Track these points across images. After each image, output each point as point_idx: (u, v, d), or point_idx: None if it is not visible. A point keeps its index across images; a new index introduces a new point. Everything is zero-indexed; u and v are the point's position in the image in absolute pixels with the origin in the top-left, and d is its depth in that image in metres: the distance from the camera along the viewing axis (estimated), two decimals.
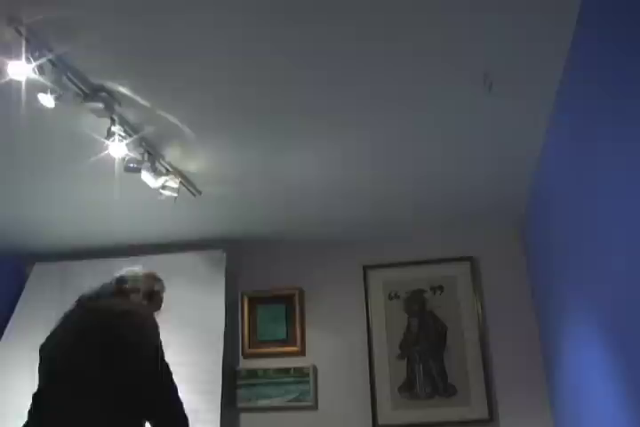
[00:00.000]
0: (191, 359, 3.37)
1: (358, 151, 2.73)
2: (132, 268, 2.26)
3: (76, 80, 2.07)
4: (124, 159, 2.50)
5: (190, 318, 3.52)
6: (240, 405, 3.58)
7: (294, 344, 3.65)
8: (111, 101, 2.20)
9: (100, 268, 3.78)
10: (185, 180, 2.90)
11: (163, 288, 2.31)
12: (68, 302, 3.70)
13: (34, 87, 1.96)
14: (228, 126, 2.50)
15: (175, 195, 2.80)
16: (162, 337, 2.47)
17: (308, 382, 3.54)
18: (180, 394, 3.45)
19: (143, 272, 2.25)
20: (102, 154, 2.44)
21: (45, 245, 3.81)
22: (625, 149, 1.58)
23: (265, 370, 3.61)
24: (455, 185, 3.10)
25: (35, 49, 1.87)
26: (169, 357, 2.30)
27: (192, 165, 2.81)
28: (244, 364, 3.68)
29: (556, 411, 3.08)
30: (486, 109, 2.36)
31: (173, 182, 2.78)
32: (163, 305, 2.65)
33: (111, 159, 2.49)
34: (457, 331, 3.50)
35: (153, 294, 2.22)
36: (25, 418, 2.09)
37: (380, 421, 3.41)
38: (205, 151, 2.70)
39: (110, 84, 2.14)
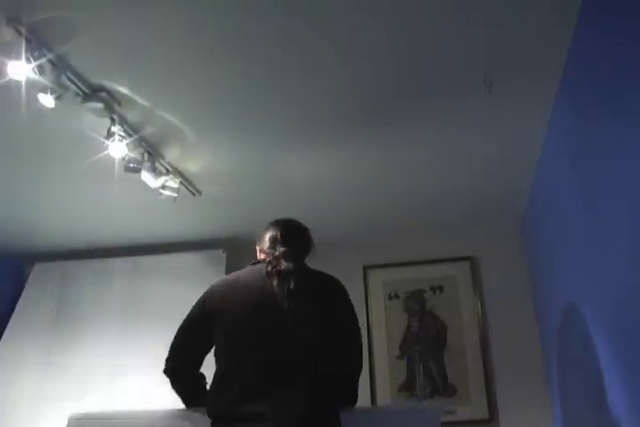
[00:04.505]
0: None
1: (358, 151, 2.73)
2: None
3: (76, 80, 2.07)
4: (123, 159, 2.50)
5: None
6: None
7: None
8: (111, 101, 2.20)
9: (100, 268, 3.80)
10: (185, 180, 2.90)
11: None
12: (68, 302, 3.73)
13: (34, 87, 1.96)
14: (228, 126, 2.50)
15: (175, 195, 2.80)
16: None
17: None
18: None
19: None
20: (102, 154, 2.44)
21: (45, 245, 3.81)
22: (625, 148, 1.58)
23: None
24: (455, 185, 3.10)
25: (35, 49, 1.87)
26: None
27: (192, 165, 2.81)
28: None
29: (556, 411, 3.08)
30: (486, 109, 2.36)
31: (173, 182, 2.78)
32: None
33: (111, 159, 2.48)
34: (457, 331, 3.50)
35: None
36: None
37: None
38: (205, 151, 2.70)
39: (110, 84, 2.14)
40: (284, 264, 1.89)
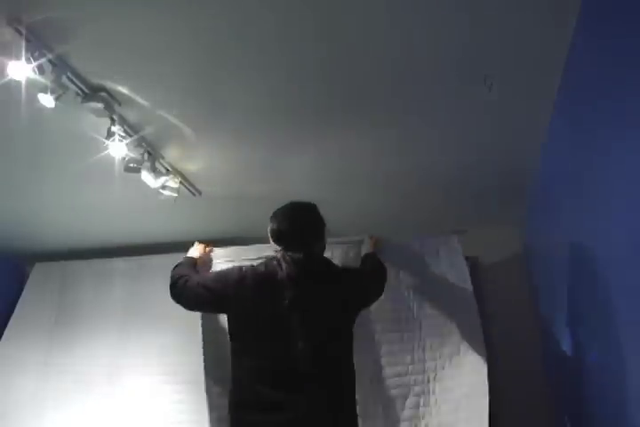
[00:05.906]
0: (193, 360, 3.37)
1: (358, 152, 2.73)
2: None
3: (76, 80, 2.07)
4: (124, 159, 2.50)
5: (190, 319, 3.52)
6: None
7: None
8: (111, 101, 2.20)
9: (100, 268, 3.80)
10: (185, 180, 2.90)
11: None
12: (68, 302, 3.73)
13: (34, 87, 1.96)
14: (228, 126, 2.50)
15: (175, 195, 2.80)
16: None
17: None
18: (181, 394, 3.42)
19: None
20: (102, 154, 2.44)
21: (45, 245, 3.81)
22: (625, 148, 1.58)
23: None
24: (455, 185, 3.10)
25: (35, 49, 1.87)
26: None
27: (192, 165, 2.81)
28: None
29: (557, 411, 3.08)
30: (486, 109, 2.36)
31: (173, 182, 2.78)
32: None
33: (111, 159, 2.49)
34: None
35: None
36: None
37: None
38: (205, 151, 2.70)
39: (110, 84, 2.14)
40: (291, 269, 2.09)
